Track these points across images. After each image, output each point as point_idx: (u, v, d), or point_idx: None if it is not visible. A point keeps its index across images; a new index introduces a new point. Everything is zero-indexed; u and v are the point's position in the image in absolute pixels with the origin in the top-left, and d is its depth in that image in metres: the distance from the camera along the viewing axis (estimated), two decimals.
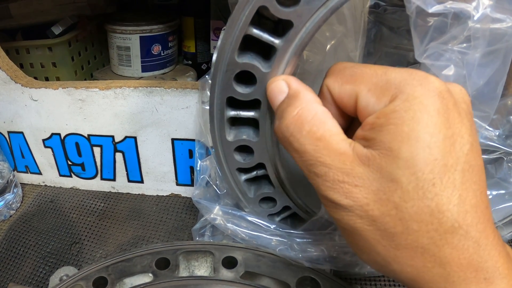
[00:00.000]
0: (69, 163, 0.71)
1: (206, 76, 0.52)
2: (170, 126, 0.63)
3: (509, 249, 0.31)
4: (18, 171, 0.75)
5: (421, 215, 0.27)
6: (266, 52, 0.38)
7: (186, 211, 0.69)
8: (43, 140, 0.69)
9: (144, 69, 0.93)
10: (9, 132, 0.70)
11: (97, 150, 0.69)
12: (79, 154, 0.70)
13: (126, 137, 0.66)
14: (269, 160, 0.45)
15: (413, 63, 0.44)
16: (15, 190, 0.70)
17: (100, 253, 0.61)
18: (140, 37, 0.88)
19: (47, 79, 0.90)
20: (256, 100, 0.40)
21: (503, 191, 0.51)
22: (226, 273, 0.49)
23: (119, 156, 0.69)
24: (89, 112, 0.64)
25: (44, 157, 0.72)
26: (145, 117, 0.63)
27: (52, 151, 0.71)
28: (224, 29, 0.37)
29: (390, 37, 0.58)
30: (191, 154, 0.66)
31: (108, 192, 0.74)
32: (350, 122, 0.36)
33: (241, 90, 0.40)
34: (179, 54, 1.03)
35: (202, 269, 0.51)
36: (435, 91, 0.27)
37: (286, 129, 0.32)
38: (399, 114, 0.27)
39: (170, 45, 0.94)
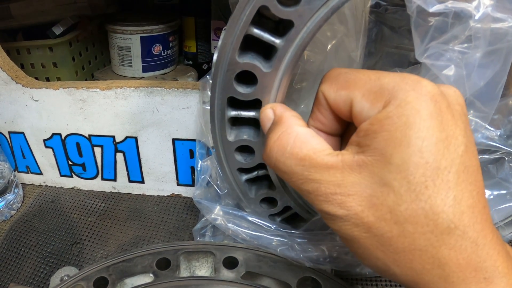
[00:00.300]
0: (70, 163, 0.71)
1: (207, 76, 0.52)
2: (171, 126, 0.63)
3: (509, 248, 0.31)
4: (19, 171, 0.75)
5: (415, 217, 0.27)
6: (267, 52, 0.38)
7: (187, 211, 0.69)
8: (44, 140, 0.69)
9: (145, 69, 0.93)
10: (10, 132, 0.70)
11: (98, 150, 0.69)
12: (80, 154, 0.70)
13: (127, 137, 0.66)
14: None
15: (414, 63, 0.44)
16: (16, 190, 0.70)
17: (101, 253, 0.61)
18: (141, 37, 0.88)
19: (48, 79, 0.90)
20: (257, 100, 0.40)
21: (504, 191, 0.51)
22: (227, 273, 0.49)
23: (120, 156, 0.69)
24: (90, 112, 0.64)
25: (45, 157, 0.72)
26: (146, 117, 0.63)
27: (53, 151, 0.71)
28: (225, 29, 0.37)
29: (391, 37, 0.58)
30: (192, 154, 0.66)
31: (109, 192, 0.74)
32: (347, 127, 0.36)
33: (242, 90, 0.40)
34: (180, 54, 1.03)
35: (203, 269, 0.51)
36: (428, 95, 0.27)
37: (270, 154, 0.33)
38: (392, 120, 0.27)
39: (171, 45, 0.94)
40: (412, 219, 0.27)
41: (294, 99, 0.51)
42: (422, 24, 0.37)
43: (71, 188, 0.75)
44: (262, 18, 0.37)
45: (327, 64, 0.48)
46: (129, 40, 0.89)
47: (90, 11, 0.92)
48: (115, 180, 0.72)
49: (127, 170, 0.70)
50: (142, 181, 0.71)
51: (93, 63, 0.99)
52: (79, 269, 0.50)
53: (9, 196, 0.68)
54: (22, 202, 0.72)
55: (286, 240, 0.49)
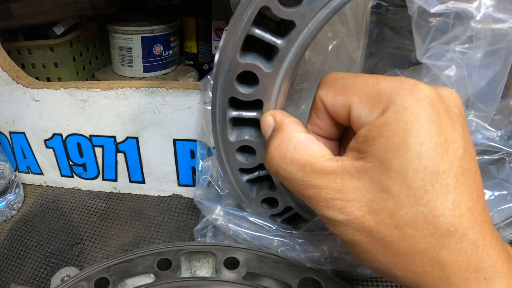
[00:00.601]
0: (71, 163, 0.71)
1: (208, 77, 0.52)
2: (172, 127, 0.63)
3: (509, 248, 0.31)
4: (19, 172, 0.75)
5: (415, 221, 0.27)
6: (268, 52, 0.38)
7: (188, 212, 0.69)
8: (45, 141, 0.69)
9: (145, 70, 0.93)
10: (10, 133, 0.70)
11: (98, 151, 0.69)
12: (81, 155, 0.70)
13: (127, 137, 0.66)
14: None
15: (415, 63, 0.44)
16: (16, 191, 0.70)
17: (101, 254, 0.61)
18: (142, 37, 0.88)
19: (48, 79, 0.90)
20: (258, 100, 0.40)
21: (505, 192, 0.51)
22: (228, 274, 0.49)
23: (120, 156, 0.69)
24: (90, 113, 0.64)
25: (45, 158, 0.72)
26: (147, 117, 0.63)
27: (54, 152, 0.71)
28: (226, 29, 0.37)
29: (392, 37, 0.58)
30: (192, 154, 0.66)
31: (110, 192, 0.74)
32: (345, 131, 0.36)
33: (243, 91, 0.40)
34: (181, 54, 1.03)
35: (203, 269, 0.51)
36: (426, 100, 0.27)
37: (272, 161, 0.34)
38: (390, 126, 0.27)
39: (172, 45, 0.94)
40: (412, 223, 0.27)
41: (295, 100, 0.51)
42: (423, 24, 0.37)
43: (72, 188, 0.75)
44: (263, 18, 0.37)
45: (328, 65, 0.48)
46: (130, 40, 0.89)
47: (91, 11, 0.92)
48: (116, 180, 0.72)
49: (128, 171, 0.70)
50: (143, 182, 0.71)
51: (94, 63, 0.99)
52: (80, 270, 0.50)
53: (10, 196, 0.68)
54: (23, 202, 0.72)
55: (287, 241, 0.50)
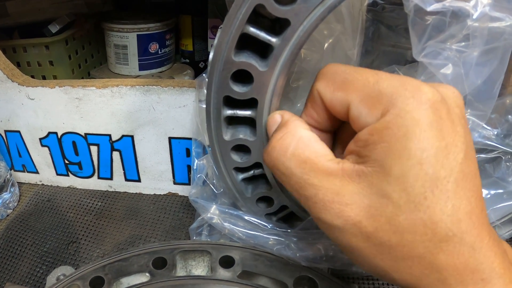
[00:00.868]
0: (66, 162, 0.71)
1: (204, 75, 0.52)
2: (167, 125, 0.63)
3: (506, 246, 0.31)
4: (15, 170, 0.75)
5: (414, 227, 0.27)
6: (263, 50, 0.38)
7: (183, 210, 0.68)
8: (40, 139, 0.69)
9: (141, 68, 0.92)
10: (6, 131, 0.70)
11: (94, 149, 0.68)
12: (76, 153, 0.69)
13: (123, 135, 0.66)
14: None
15: (411, 62, 0.44)
16: (12, 189, 0.69)
17: (97, 253, 0.61)
18: (138, 35, 0.88)
19: (44, 77, 0.89)
20: (253, 99, 0.40)
21: (501, 190, 0.51)
22: (223, 273, 0.48)
23: (116, 155, 0.68)
24: (86, 111, 0.64)
25: (41, 156, 0.72)
26: (142, 115, 0.63)
27: (49, 150, 0.70)
28: (220, 28, 0.37)
29: (388, 35, 0.58)
30: (188, 152, 0.65)
31: (105, 191, 0.74)
32: (341, 124, 0.36)
33: (238, 89, 0.39)
34: (177, 52, 1.03)
35: (199, 268, 0.51)
36: (428, 103, 0.27)
37: (271, 153, 0.33)
38: (391, 131, 0.27)
39: (168, 43, 0.94)
40: (411, 228, 0.27)
41: (290, 98, 0.51)
42: (420, 22, 0.37)
43: (67, 187, 0.75)
44: (258, 16, 0.36)
45: (323, 63, 0.48)
46: (125, 38, 0.88)
47: (87, 9, 0.92)
48: (111, 179, 0.72)
49: (124, 169, 0.70)
50: (139, 180, 0.71)
51: (89, 61, 0.99)
52: (76, 268, 0.50)
53: (5, 195, 0.68)
54: (18, 201, 0.72)
55: (282, 239, 0.49)
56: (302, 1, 0.33)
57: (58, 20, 0.88)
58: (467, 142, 0.28)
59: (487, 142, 0.46)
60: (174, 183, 0.70)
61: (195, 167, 0.56)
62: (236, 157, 0.46)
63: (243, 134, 0.44)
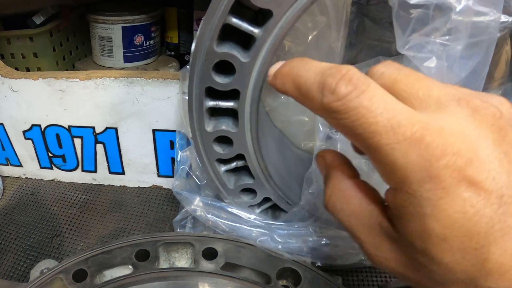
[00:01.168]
0: (50, 155, 0.71)
1: (187, 67, 0.52)
2: (151, 117, 0.63)
3: None
4: None
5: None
6: (246, 41, 0.38)
7: (168, 203, 0.68)
8: (24, 132, 0.68)
9: (126, 60, 0.92)
10: None
11: (77, 142, 0.68)
12: (60, 146, 0.69)
13: (107, 128, 0.65)
14: (249, 151, 0.45)
15: (395, 55, 0.44)
16: None
17: (81, 246, 0.61)
18: (123, 27, 0.87)
19: (28, 69, 0.88)
20: (235, 90, 0.40)
21: None
22: (206, 265, 0.48)
23: (100, 147, 0.68)
24: (69, 103, 0.63)
25: (24, 149, 0.71)
26: (126, 108, 0.62)
27: (33, 143, 0.70)
28: (203, 19, 0.37)
29: (373, 28, 0.59)
30: (172, 145, 0.65)
31: (89, 184, 0.73)
32: None
33: (220, 80, 0.39)
34: (162, 44, 1.02)
35: (182, 260, 0.51)
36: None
37: (327, 207, 0.32)
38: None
39: (153, 35, 0.93)
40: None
41: (273, 90, 0.51)
42: (404, 16, 0.37)
43: (51, 180, 0.74)
44: (241, 7, 0.36)
45: (308, 55, 0.48)
46: (110, 30, 0.88)
47: (72, 0, 0.91)
48: (95, 171, 0.72)
49: (107, 162, 0.70)
50: (123, 173, 0.71)
51: (74, 53, 0.98)
52: (59, 262, 0.49)
53: None
54: (2, 195, 0.71)
55: (265, 231, 0.50)
56: None
57: (43, 11, 0.87)
58: None
59: None
60: (158, 175, 0.70)
61: (178, 159, 0.56)
62: (219, 149, 0.46)
63: (226, 126, 0.44)
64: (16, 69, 0.67)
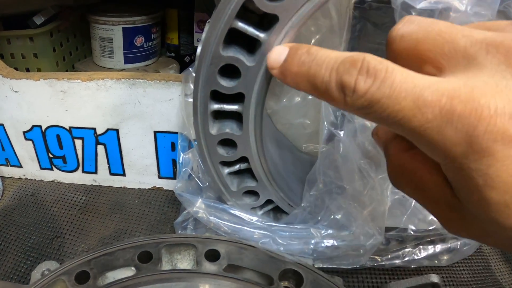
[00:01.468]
0: (50, 155, 0.71)
1: (190, 69, 0.52)
2: (153, 119, 0.63)
3: None
4: None
5: None
6: (251, 45, 0.38)
7: (169, 204, 0.68)
8: (24, 133, 0.68)
9: (126, 61, 0.92)
10: None
11: (78, 143, 0.68)
12: (60, 147, 0.69)
13: (108, 129, 0.65)
14: (253, 153, 0.45)
15: None
16: None
17: (82, 247, 0.61)
18: (123, 28, 0.87)
19: (28, 70, 0.88)
20: (240, 93, 0.40)
21: None
22: (209, 266, 0.49)
23: (100, 148, 0.68)
24: (70, 104, 0.63)
25: (24, 150, 0.71)
26: (128, 109, 0.62)
27: (33, 144, 0.70)
28: (209, 22, 0.37)
29: (375, 33, 0.59)
30: (173, 147, 0.65)
31: (90, 185, 0.73)
32: None
33: (225, 84, 0.40)
34: (162, 46, 1.02)
35: (185, 262, 0.51)
36: None
37: (393, 185, 0.31)
38: None
39: (153, 37, 0.93)
40: None
41: (277, 93, 0.51)
42: None
43: (52, 181, 0.74)
44: (247, 11, 0.37)
45: None
46: (111, 31, 0.88)
47: (72, 1, 0.91)
48: (96, 173, 0.72)
49: (108, 163, 0.70)
50: (123, 174, 0.71)
51: (74, 54, 0.98)
52: (60, 263, 0.49)
53: None
54: (2, 196, 0.71)
55: (268, 233, 0.50)
56: None
57: (43, 11, 0.87)
58: None
59: None
60: (159, 177, 0.70)
61: (180, 161, 0.56)
62: (222, 151, 0.46)
63: (230, 129, 0.44)
64: (16, 69, 0.67)
